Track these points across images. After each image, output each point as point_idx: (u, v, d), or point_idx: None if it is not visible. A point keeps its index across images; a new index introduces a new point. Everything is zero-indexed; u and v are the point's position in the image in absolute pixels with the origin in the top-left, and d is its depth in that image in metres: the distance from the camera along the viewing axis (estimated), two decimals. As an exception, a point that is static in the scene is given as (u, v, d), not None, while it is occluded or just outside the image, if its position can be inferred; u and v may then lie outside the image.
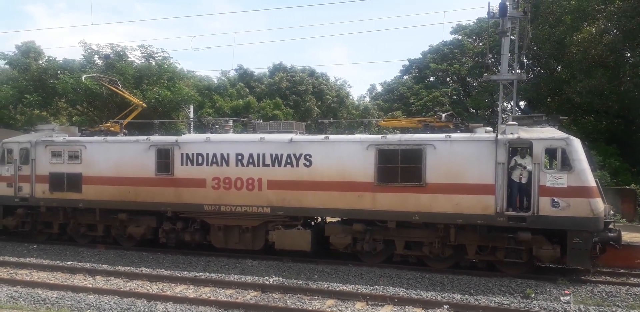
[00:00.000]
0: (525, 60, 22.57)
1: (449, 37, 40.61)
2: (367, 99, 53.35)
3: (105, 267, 13.56)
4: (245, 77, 43.63)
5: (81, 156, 15.68)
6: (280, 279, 12.19)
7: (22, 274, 13.08)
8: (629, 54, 26.03)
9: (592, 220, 11.26)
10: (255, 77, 43.37)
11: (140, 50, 29.37)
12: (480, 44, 37.50)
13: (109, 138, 15.78)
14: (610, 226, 12.00)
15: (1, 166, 16.70)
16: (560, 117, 14.62)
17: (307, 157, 13.43)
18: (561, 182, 11.51)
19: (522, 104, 33.19)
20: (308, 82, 41.32)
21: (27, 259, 14.70)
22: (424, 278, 12.29)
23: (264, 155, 13.80)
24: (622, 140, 27.44)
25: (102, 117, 27.24)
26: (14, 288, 11.62)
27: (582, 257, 11.51)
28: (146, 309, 9.93)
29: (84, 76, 22.12)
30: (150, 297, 10.75)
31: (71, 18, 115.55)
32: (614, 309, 9.74)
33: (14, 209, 16.79)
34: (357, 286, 11.52)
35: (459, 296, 10.74)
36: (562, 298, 10.57)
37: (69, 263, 14.08)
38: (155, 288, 11.71)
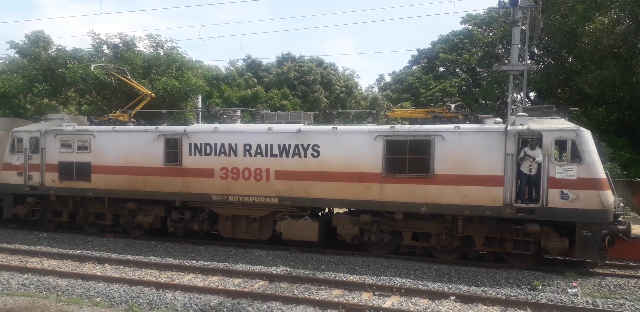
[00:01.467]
0: (536, 51, 22.23)
1: (459, 27, 40.22)
2: (376, 89, 53.06)
3: (114, 255, 13.70)
4: (253, 67, 43.48)
5: (90, 145, 15.77)
6: (288, 269, 12.26)
7: (33, 262, 13.24)
8: (641, 45, 25.64)
9: (602, 212, 11.19)
10: (264, 67, 43.21)
11: (149, 40, 29.31)
12: (491, 34, 37.07)
13: (118, 127, 15.84)
14: (620, 219, 11.92)
15: (11, 154, 16.84)
16: (571, 108, 14.49)
17: (315, 147, 13.41)
18: (571, 174, 11.43)
19: (532, 95, 32.89)
20: (316, 73, 41.10)
21: (38, 247, 14.89)
22: (430, 269, 12.31)
23: (271, 145, 13.80)
24: (634, 132, 27.14)
25: (110, 106, 27.29)
26: (25, 276, 11.77)
27: (590, 250, 11.46)
28: (155, 298, 10.03)
29: (93, 66, 22.13)
30: (159, 285, 10.86)
31: (80, 8, 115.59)
32: (621, 302, 9.70)
33: (24, 197, 16.97)
34: (364, 276, 11.55)
35: (465, 287, 10.75)
36: (569, 290, 10.55)
37: (78, 251, 14.23)
38: (163, 277, 11.82)
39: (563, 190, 11.46)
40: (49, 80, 26.18)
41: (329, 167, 13.27)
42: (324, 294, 10.37)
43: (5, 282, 11.28)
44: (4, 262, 13.02)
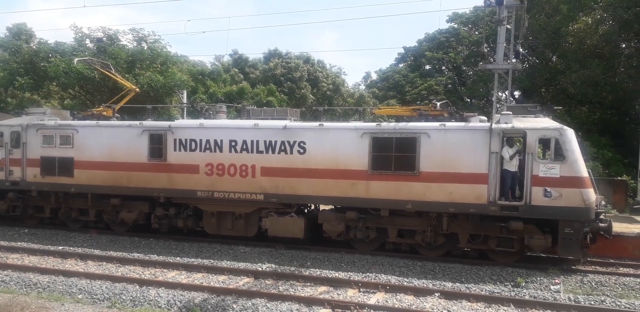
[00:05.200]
0: (521, 50, 22.43)
1: (445, 26, 40.47)
2: (362, 86, 53.19)
3: (97, 252, 13.53)
4: (239, 62, 43.25)
5: (73, 140, 15.54)
6: (273, 265, 12.22)
7: (13, 258, 13.02)
8: (624, 45, 26.01)
9: (584, 210, 11.34)
10: (250, 63, 43.01)
11: (132, 34, 28.99)
12: (476, 32, 37.35)
13: (102, 122, 15.63)
14: (602, 216, 12.09)
15: (-8, 149, 16.51)
16: (555, 107, 14.62)
17: (302, 144, 13.38)
18: (554, 172, 11.56)
19: (516, 93, 33.21)
20: (303, 69, 41.03)
21: (18, 243, 14.64)
22: (415, 266, 12.37)
23: (257, 141, 13.74)
24: (615, 132, 27.57)
25: (94, 101, 26.95)
26: (5, 272, 11.57)
27: (573, 247, 11.62)
28: (138, 294, 9.93)
29: (76, 60, 21.81)
30: (142, 282, 10.75)
31: (63, 0, 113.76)
32: (602, 299, 9.83)
33: (4, 193, 16.68)
34: (349, 273, 11.57)
35: (450, 283, 10.82)
36: (552, 287, 10.68)
37: (60, 248, 14.04)
38: (147, 273, 11.70)
39: (546, 188, 11.59)
40: (30, 74, 25.79)
41: (315, 164, 13.25)
42: (309, 291, 10.37)
43: (-16, 279, 11.09)
44: (-16, 259, 12.79)
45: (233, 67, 42.14)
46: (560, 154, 11.55)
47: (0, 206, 16.74)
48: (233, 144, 13.94)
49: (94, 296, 10.00)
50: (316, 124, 13.52)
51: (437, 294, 10.05)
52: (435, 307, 9.39)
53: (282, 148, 13.53)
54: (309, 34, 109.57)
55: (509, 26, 20.90)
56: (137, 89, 19.19)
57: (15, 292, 10.32)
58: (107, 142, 15.15)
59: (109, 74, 19.51)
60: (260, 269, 11.84)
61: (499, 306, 9.51)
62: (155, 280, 10.92)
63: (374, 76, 51.48)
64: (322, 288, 10.55)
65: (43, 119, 16.27)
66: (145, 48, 28.45)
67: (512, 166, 12.03)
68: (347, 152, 12.97)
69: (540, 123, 12.07)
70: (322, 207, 14.70)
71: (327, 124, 13.50)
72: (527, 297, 9.89)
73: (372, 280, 10.93)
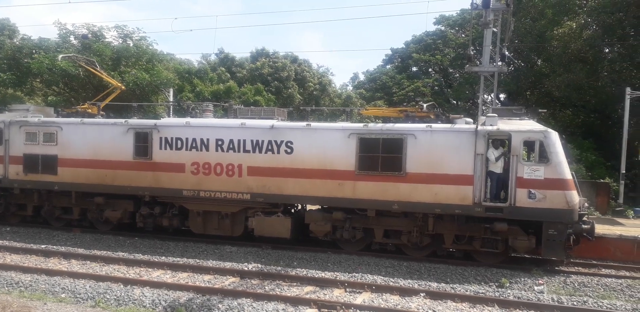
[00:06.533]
0: (507, 53, 22.67)
1: (432, 28, 40.75)
2: (350, 87, 53.28)
3: (81, 251, 13.37)
4: (226, 61, 43.03)
5: (57, 138, 15.34)
6: (259, 265, 12.19)
7: (-6, 257, 12.82)
8: (607, 50, 26.43)
9: (567, 212, 11.49)
10: (237, 62, 42.82)
11: (117, 31, 28.68)
12: (463, 35, 37.65)
13: (86, 120, 15.45)
14: (585, 218, 12.26)
15: (-27, 146, 16.22)
16: (539, 110, 14.82)
17: (289, 144, 13.36)
18: (538, 174, 11.69)
19: (502, 96, 33.53)
20: (290, 69, 40.96)
21: (0, 241, 14.40)
22: (401, 266, 12.43)
23: (244, 141, 13.69)
24: (598, 135, 27.98)
25: (79, 98, 26.63)
26: (-14, 271, 11.39)
27: (556, 248, 11.77)
28: (123, 294, 9.84)
29: (60, 56, 21.52)
30: (127, 281, 10.65)
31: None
32: (585, 299, 9.98)
33: (-15, 190, 16.39)
34: (335, 273, 11.59)
35: (435, 284, 10.89)
36: (535, 288, 10.80)
37: (43, 246, 13.85)
38: (132, 273, 11.60)
39: (530, 190, 11.72)
40: (13, 70, 25.41)
41: (302, 164, 13.24)
42: (295, 290, 10.36)
43: (-36, 278, 10.90)
44: (-36, 257, 12.57)
45: (220, 66, 41.91)
46: (544, 156, 11.69)
47: (-19, 203, 16.45)
48: (220, 143, 13.87)
49: (78, 295, 9.88)
50: (304, 124, 13.52)
51: (422, 294, 10.11)
52: (420, 307, 9.45)
53: (269, 148, 13.50)
54: (295, 34, 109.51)
55: (495, 29, 21.14)
56: (123, 87, 19.01)
57: (-3, 291, 10.16)
58: (91, 140, 14.98)
59: (94, 71, 19.29)
60: (246, 268, 11.80)
61: (484, 306, 9.61)
62: (140, 279, 10.83)
63: (362, 77, 51.64)
64: (309, 288, 10.55)
65: (26, 116, 16.04)
66: (130, 45, 28.18)
67: (498, 168, 12.16)
68: (334, 152, 12.99)
69: (525, 125, 12.21)
70: (309, 207, 14.70)
71: (314, 124, 13.50)
72: (511, 298, 10.00)
73: (359, 280, 10.96)
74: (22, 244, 14.16)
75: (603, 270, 12.72)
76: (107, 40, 27.85)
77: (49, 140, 15.44)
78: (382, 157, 12.65)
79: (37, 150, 15.54)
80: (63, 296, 9.93)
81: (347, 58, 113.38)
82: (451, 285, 10.87)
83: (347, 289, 10.46)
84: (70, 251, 13.35)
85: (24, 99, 30.28)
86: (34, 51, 25.83)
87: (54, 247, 13.84)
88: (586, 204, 12.84)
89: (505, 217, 11.89)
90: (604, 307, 9.58)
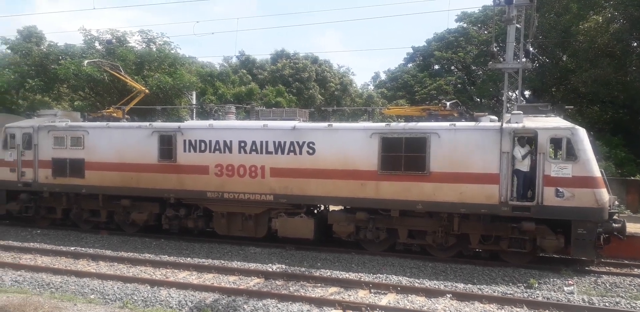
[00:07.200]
0: (531, 49, 22.27)
1: (453, 25, 40.29)
2: (371, 87, 53.09)
3: (108, 252, 13.59)
4: (247, 64, 43.35)
5: (84, 142, 15.64)
6: (283, 266, 12.21)
7: (26, 259, 13.13)
8: (635, 44, 25.77)
9: (597, 210, 11.22)
10: (258, 64, 43.10)
11: (140, 36, 29.12)
12: (486, 32, 37.14)
13: (112, 124, 15.71)
14: (615, 217, 11.95)
15: (4, 150, 16.66)
16: (566, 106, 14.49)
17: (310, 144, 13.36)
18: (566, 172, 11.45)
19: (527, 93, 32.98)
20: (311, 69, 41.02)
21: (31, 243, 14.75)
22: (427, 267, 12.31)
23: (267, 142, 13.73)
24: (628, 131, 27.30)
25: (104, 102, 27.11)
26: (18, 272, 11.67)
27: (586, 248, 11.50)
28: (149, 295, 9.96)
29: (86, 62, 21.94)
30: (153, 283, 10.79)
31: (71, 2, 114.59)
32: (617, 300, 9.72)
33: (17, 194, 16.80)
34: (360, 274, 11.53)
35: (462, 285, 10.74)
36: (565, 288, 10.58)
37: (72, 248, 14.12)
38: (158, 274, 11.74)
39: (558, 188, 11.48)
40: (41, 76, 25.99)
41: (324, 165, 13.22)
42: (320, 291, 10.34)
43: (-2, 280, 11.18)
44: (-3, 260, 12.89)
45: (241, 68, 42.24)
46: (572, 154, 11.44)
47: (13, 207, 16.86)
48: (242, 144, 13.95)
49: (106, 296, 10.04)
50: (325, 124, 13.50)
51: (448, 296, 9.98)
52: (447, 309, 9.33)
53: (291, 149, 13.52)
54: (315, 34, 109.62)
55: (518, 25, 20.77)
56: (147, 91, 19.27)
57: (29, 292, 10.40)
58: (117, 144, 15.22)
59: (118, 75, 19.62)
60: (270, 269, 11.83)
61: (512, 308, 9.44)
62: (167, 280, 10.95)
63: (383, 76, 51.40)
64: (333, 289, 10.52)
65: (54, 121, 16.38)
66: (153, 50, 28.58)
67: (524, 166, 11.94)
68: (356, 152, 12.93)
69: (552, 123, 11.97)
70: (331, 207, 14.67)
71: (336, 125, 13.47)
72: (540, 299, 9.80)
73: (383, 281, 10.89)
74: (52, 246, 14.47)
75: (635, 270, 12.37)
76: (130, 45, 28.30)
77: (76, 144, 15.74)
78: (405, 156, 12.55)
79: (65, 154, 15.86)
80: (92, 297, 10.10)
81: (368, 57, 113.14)
82: (478, 286, 10.71)
83: (372, 290, 10.39)
84: (98, 252, 13.59)
85: (52, 104, 31.00)
86: (60, 57, 26.39)
87: (83, 249, 14.10)
88: (616, 202, 12.51)
89: (533, 217, 11.67)
90: (637, 309, 9.31)
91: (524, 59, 21.12)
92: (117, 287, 10.42)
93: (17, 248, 14.04)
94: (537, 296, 9.96)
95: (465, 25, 39.35)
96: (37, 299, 9.59)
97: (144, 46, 29.05)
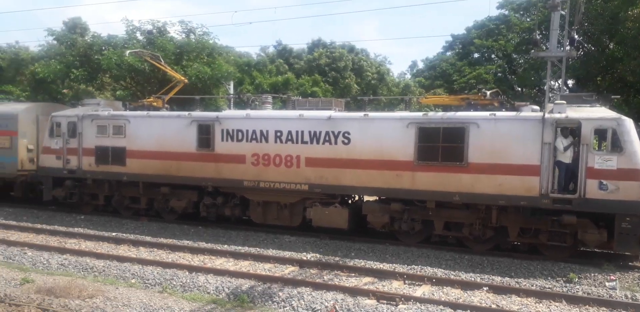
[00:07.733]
0: (576, 37, 21.49)
1: (495, 12, 39.19)
2: (408, 76, 52.45)
3: (148, 238, 13.98)
4: (284, 53, 43.47)
5: (125, 130, 16.04)
6: (318, 255, 12.30)
7: (71, 243, 13.65)
8: (688, 30, 24.43)
9: (643, 204, 10.79)
10: (294, 54, 43.14)
11: (181, 26, 29.47)
12: (528, 19, 35.95)
13: (152, 113, 16.06)
14: (662, 211, 11.47)
15: (50, 138, 17.29)
16: (612, 96, 13.95)
17: (346, 134, 13.31)
18: (610, 164, 11.06)
19: (570, 82, 31.85)
20: (347, 59, 40.78)
21: (75, 229, 15.31)
22: (463, 259, 12.16)
23: (302, 132, 13.76)
24: (678, 122, 26.06)
25: (144, 92, 27.65)
26: (64, 256, 12.16)
27: (630, 242, 11.11)
28: (188, 280, 10.22)
29: (127, 52, 22.39)
30: (191, 268, 11.06)
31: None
32: (662, 297, 9.39)
33: (62, 180, 17.44)
34: (394, 264, 11.50)
35: (499, 278, 10.57)
36: (607, 284, 10.27)
37: (114, 234, 14.59)
38: (196, 260, 12.02)
39: (602, 180, 11.10)
40: (85, 66, 26.68)
41: (359, 155, 13.17)
42: (353, 281, 10.38)
43: (45, 262, 11.70)
44: (44, 243, 13.47)
45: (278, 58, 42.37)
46: (617, 145, 11.03)
47: (58, 193, 17.53)
48: (278, 134, 14.03)
49: (146, 281, 10.36)
50: (361, 114, 13.41)
51: (485, 288, 9.85)
52: (483, 302, 9.22)
53: (327, 138, 13.51)
54: (352, 23, 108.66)
55: (563, 12, 20.04)
56: (186, 80, 19.55)
57: (74, 275, 10.84)
58: (157, 132, 15.56)
59: (158, 65, 19.96)
60: (305, 258, 11.94)
61: (550, 302, 9.24)
62: (204, 267, 11.20)
63: (421, 65, 50.69)
64: (367, 279, 10.54)
65: (97, 110, 16.85)
66: (193, 40, 28.91)
67: (566, 158, 11.58)
68: (392, 142, 12.82)
69: (597, 113, 11.54)
70: (366, 198, 14.62)
71: (371, 114, 13.37)
72: (580, 294, 9.57)
73: (418, 272, 10.83)
74: (95, 231, 14.99)
75: (683, 266, 11.89)
76: (170, 35, 28.68)
77: (118, 132, 16.17)
78: (442, 147, 12.36)
79: (107, 142, 16.33)
80: (133, 281, 10.44)
81: (405, 46, 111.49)
82: (516, 279, 10.52)
83: (406, 281, 10.36)
84: (138, 238, 14.00)
85: (95, 93, 31.85)
86: (103, 48, 27.02)
87: (124, 234, 14.55)
88: (664, 196, 11.99)
89: (575, 210, 11.34)
90: (684, 307, 8.97)
91: (568, 47, 20.43)
92: (157, 273, 10.72)
93: (63, 233, 14.61)
94: (576, 291, 9.73)
95: (507, 12, 38.17)
96: (81, 282, 9.99)
97: (184, 36, 29.41)
